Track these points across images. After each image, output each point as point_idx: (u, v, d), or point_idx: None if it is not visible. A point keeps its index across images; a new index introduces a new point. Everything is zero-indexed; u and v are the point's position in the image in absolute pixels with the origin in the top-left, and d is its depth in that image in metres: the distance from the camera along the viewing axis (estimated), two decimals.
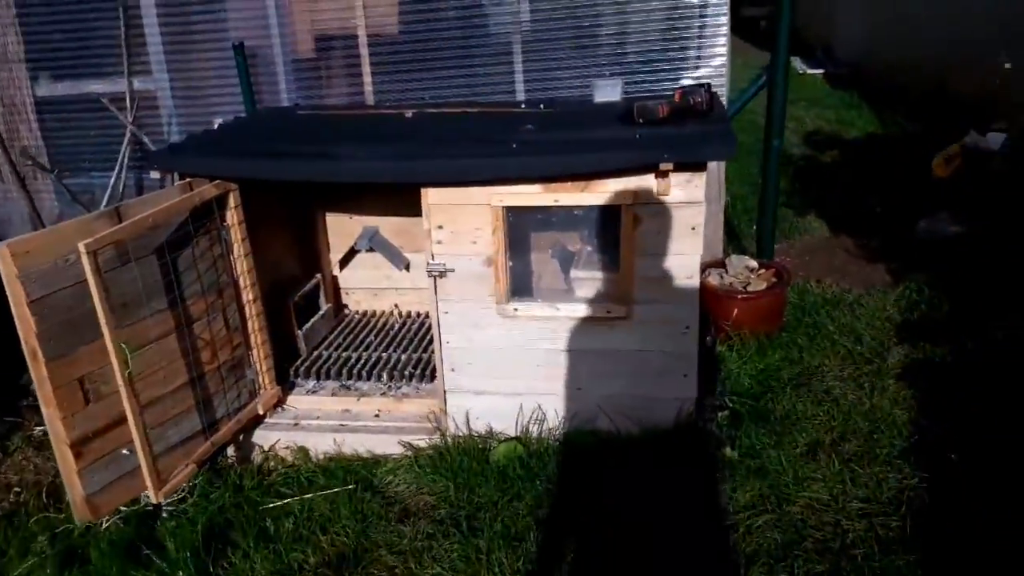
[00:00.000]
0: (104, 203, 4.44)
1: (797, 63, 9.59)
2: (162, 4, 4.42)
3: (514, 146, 2.68)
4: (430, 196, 2.76)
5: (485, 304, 2.86)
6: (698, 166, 2.54)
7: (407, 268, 3.79)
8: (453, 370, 2.99)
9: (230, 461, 3.03)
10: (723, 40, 3.99)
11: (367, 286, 3.92)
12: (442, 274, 2.85)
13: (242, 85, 4.19)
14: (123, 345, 2.38)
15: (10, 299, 2.33)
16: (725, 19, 3.94)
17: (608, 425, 2.91)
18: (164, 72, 4.55)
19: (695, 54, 4.04)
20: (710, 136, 2.60)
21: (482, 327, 2.90)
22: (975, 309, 3.56)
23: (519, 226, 2.90)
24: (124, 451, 2.63)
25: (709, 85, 2.90)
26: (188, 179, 2.78)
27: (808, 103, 7.94)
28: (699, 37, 4.02)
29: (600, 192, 2.64)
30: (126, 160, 4.47)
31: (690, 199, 2.60)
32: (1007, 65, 4.11)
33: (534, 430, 2.96)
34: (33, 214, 4.36)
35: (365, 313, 3.91)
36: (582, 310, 2.83)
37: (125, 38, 4.45)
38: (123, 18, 4.42)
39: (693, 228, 2.63)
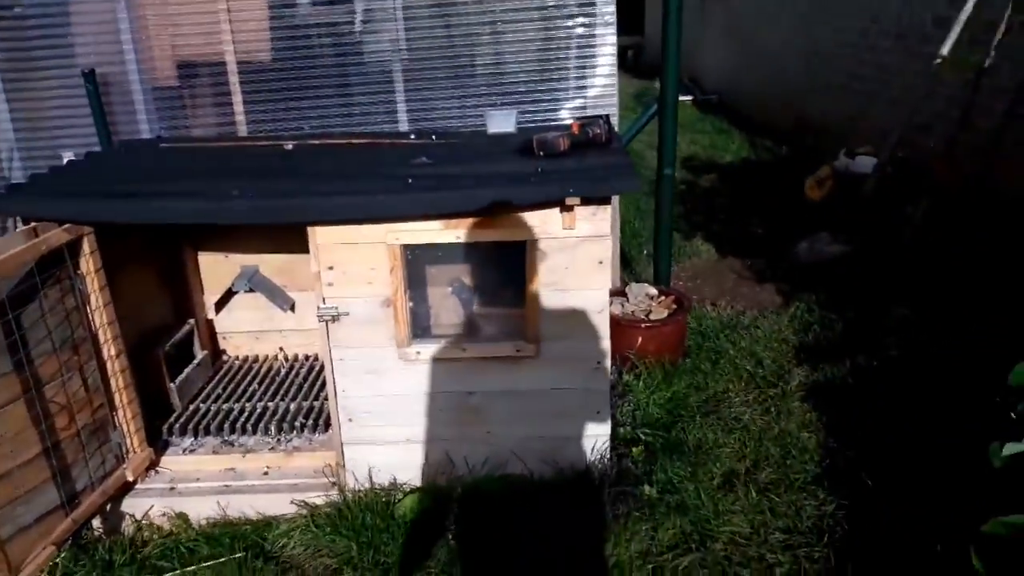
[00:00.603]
0: None
1: None
2: None
3: (410, 180, 2.51)
4: (319, 235, 2.54)
5: (384, 348, 2.66)
6: (603, 200, 2.46)
7: (292, 308, 3.51)
8: (350, 420, 2.76)
9: (97, 534, 2.69)
10: (611, 70, 3.98)
11: (247, 329, 3.60)
12: (335, 318, 2.62)
13: (95, 116, 3.83)
14: None
15: None
16: (612, 48, 3.93)
17: (521, 468, 2.76)
18: (3, 103, 4.08)
19: (582, 83, 4.01)
20: (614, 169, 2.54)
21: (381, 373, 2.69)
22: (865, 327, 3.68)
23: (416, 262, 2.72)
24: None
25: (607, 117, 2.85)
26: (33, 224, 2.44)
27: (681, 128, 8.16)
28: (585, 67, 4.00)
29: (504, 227, 2.51)
30: None
31: (596, 232, 2.51)
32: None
33: (441, 480, 2.77)
34: None
35: (246, 359, 3.59)
36: (489, 350, 2.68)
37: None
38: None
39: (600, 262, 2.54)
